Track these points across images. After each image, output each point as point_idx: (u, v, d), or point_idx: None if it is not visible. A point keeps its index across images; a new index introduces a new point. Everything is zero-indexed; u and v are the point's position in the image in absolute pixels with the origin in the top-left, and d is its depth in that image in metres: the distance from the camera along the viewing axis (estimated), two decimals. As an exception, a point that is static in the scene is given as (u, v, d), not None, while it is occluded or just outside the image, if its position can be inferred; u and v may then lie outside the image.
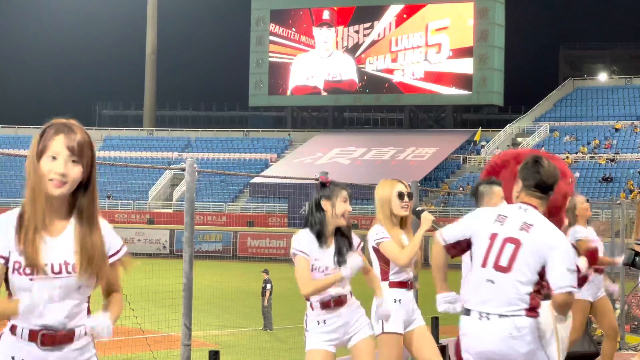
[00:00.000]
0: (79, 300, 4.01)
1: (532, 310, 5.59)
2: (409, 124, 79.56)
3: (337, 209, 6.82)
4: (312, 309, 6.88)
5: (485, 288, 5.64)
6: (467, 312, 5.70)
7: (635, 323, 15.41)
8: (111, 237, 4.18)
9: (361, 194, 36.61)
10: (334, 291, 6.82)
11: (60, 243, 3.98)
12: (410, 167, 64.84)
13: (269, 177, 73.64)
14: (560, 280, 5.53)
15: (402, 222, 7.70)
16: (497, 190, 7.69)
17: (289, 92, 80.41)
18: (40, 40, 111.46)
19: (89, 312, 4.07)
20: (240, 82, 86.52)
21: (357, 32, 78.42)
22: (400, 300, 7.61)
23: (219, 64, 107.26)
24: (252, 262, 42.32)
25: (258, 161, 73.21)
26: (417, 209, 7.62)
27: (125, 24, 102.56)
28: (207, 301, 19.41)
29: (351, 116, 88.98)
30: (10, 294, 3.98)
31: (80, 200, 4.02)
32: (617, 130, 67.79)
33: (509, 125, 72.54)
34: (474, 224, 5.86)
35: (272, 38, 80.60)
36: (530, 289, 5.57)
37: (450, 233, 5.92)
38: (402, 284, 7.64)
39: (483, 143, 70.07)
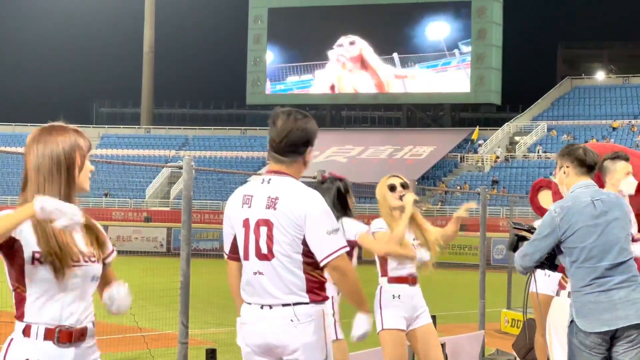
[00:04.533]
0: (89, 294, 4.10)
1: (313, 294, 5.03)
2: (407, 123, 79.57)
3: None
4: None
5: (256, 281, 5.04)
6: (248, 303, 5.14)
7: None
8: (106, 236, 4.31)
9: (359, 192, 36.64)
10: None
11: (78, 237, 4.10)
12: (408, 165, 64.85)
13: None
14: (322, 251, 4.95)
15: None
16: (622, 165, 7.50)
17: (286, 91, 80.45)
18: (37, 38, 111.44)
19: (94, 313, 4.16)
20: (237, 80, 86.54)
21: (354, 30, 78.46)
22: (399, 296, 7.59)
23: (217, 62, 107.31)
24: (250, 260, 42.23)
25: (256, 159, 73.21)
26: (400, 193, 7.60)
27: (123, 22, 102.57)
28: (204, 299, 19.43)
29: (349, 114, 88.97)
30: (20, 292, 3.99)
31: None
32: (614, 129, 67.85)
33: (506, 124, 72.56)
34: (228, 215, 5.22)
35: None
36: (301, 271, 4.99)
37: (226, 243, 5.29)
38: (402, 279, 7.61)
39: (481, 142, 70.09)
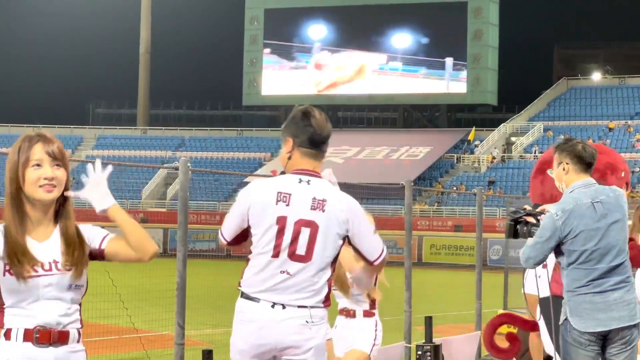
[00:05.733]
0: (71, 301, 4.11)
1: (327, 300, 5.09)
2: (403, 123, 79.56)
3: None
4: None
5: (278, 279, 5.00)
6: (252, 299, 5.05)
7: None
8: (92, 231, 4.32)
9: (355, 194, 36.61)
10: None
11: (48, 247, 4.11)
12: (404, 166, 64.86)
13: (262, 176, 73.46)
14: (374, 251, 5.12)
15: None
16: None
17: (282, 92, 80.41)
18: (33, 39, 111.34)
19: (81, 322, 4.19)
20: (234, 81, 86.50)
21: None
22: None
23: (213, 62, 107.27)
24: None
25: (252, 160, 73.18)
26: None
27: (119, 23, 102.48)
28: (200, 300, 19.40)
29: (345, 115, 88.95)
30: None
31: (60, 203, 4.19)
32: (610, 129, 67.89)
33: (502, 124, 72.56)
34: (254, 206, 5.09)
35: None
36: (327, 277, 5.05)
37: (227, 228, 5.20)
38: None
39: (477, 142, 70.10)
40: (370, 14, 77.40)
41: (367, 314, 7.94)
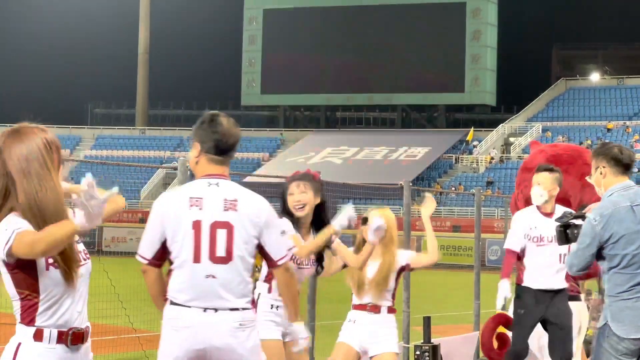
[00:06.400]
0: (86, 292, 4.15)
1: (253, 301, 5.11)
2: (402, 124, 79.56)
3: (289, 202, 6.84)
4: (270, 291, 6.72)
5: (205, 284, 4.94)
6: (183, 305, 4.99)
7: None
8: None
9: (353, 193, 36.61)
10: None
11: None
12: (403, 166, 64.86)
13: (261, 176, 73.39)
14: (279, 251, 5.12)
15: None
16: (536, 176, 8.40)
17: (281, 92, 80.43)
18: (31, 39, 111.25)
19: None
20: (232, 82, 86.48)
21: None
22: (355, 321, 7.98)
23: (212, 63, 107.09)
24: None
25: (250, 160, 73.17)
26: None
27: (118, 23, 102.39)
28: (199, 300, 19.37)
29: (343, 116, 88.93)
30: (31, 299, 3.98)
31: None
32: (609, 130, 67.91)
33: (501, 125, 72.57)
34: (165, 216, 5.04)
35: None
36: (250, 276, 5.05)
37: (145, 247, 5.13)
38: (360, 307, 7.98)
39: (475, 143, 70.10)
40: (369, 14, 77.44)
41: (391, 310, 8.04)
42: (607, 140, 64.39)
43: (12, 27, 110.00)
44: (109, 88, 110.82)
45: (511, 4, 79.23)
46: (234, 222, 5.00)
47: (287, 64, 79.46)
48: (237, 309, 4.96)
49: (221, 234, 4.97)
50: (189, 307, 4.97)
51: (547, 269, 8.67)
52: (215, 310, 4.94)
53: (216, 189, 5.09)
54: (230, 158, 5.26)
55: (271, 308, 6.67)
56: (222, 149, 5.17)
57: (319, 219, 6.85)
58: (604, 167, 6.36)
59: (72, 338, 3.99)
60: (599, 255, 6.29)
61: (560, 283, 8.65)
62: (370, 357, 7.86)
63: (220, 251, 4.96)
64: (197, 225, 4.98)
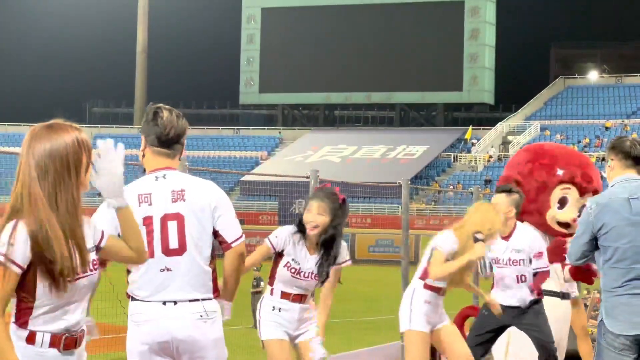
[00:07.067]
0: (87, 300, 4.05)
1: (215, 290, 5.03)
2: (400, 122, 79.57)
3: (304, 217, 6.88)
4: (272, 293, 6.91)
5: (161, 277, 4.94)
6: (142, 300, 4.99)
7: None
8: (93, 230, 4.12)
9: (352, 192, 36.62)
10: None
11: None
12: (401, 165, 64.86)
13: (259, 175, 73.59)
14: (234, 232, 5.07)
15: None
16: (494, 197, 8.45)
17: (279, 90, 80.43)
18: (30, 38, 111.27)
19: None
20: (231, 80, 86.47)
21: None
22: (430, 302, 7.78)
23: (210, 61, 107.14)
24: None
25: (249, 159, 73.17)
26: (477, 236, 7.57)
27: (116, 22, 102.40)
28: (197, 299, 19.35)
29: (342, 114, 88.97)
30: (27, 302, 3.88)
31: None
32: (607, 128, 67.93)
33: (499, 123, 72.59)
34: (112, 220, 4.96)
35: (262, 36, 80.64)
36: (209, 265, 5.01)
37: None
38: (436, 289, 7.78)
39: (474, 141, 70.11)
40: (367, 13, 77.43)
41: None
42: (605, 140, 64.44)
43: (9, 26, 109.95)
44: (107, 87, 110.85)
45: (510, 2, 79.31)
46: (183, 212, 4.97)
47: (286, 62, 79.48)
48: (196, 300, 4.92)
49: (172, 226, 4.95)
50: (149, 301, 4.96)
51: (507, 288, 8.68)
52: (175, 303, 4.91)
53: (163, 182, 5.06)
54: (176, 151, 5.17)
55: (272, 310, 6.83)
56: (164, 141, 5.13)
57: (331, 237, 6.86)
58: (612, 159, 6.28)
59: (65, 343, 3.91)
60: (596, 247, 6.18)
61: (522, 301, 8.53)
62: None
63: (173, 243, 4.94)
64: (148, 221, 4.98)
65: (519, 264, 8.50)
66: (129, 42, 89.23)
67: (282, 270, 6.81)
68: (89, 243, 3.99)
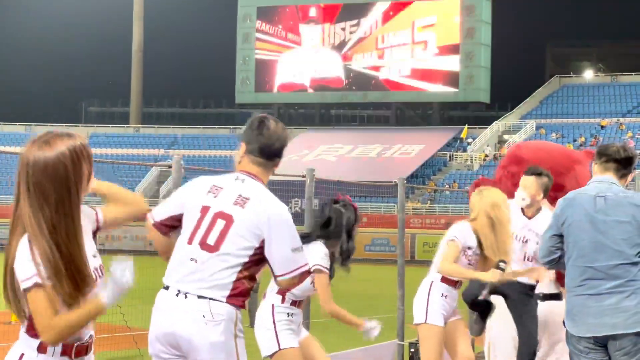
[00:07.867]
0: None
1: (234, 298, 4.90)
2: (396, 121, 79.57)
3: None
4: (283, 301, 7.17)
5: (187, 266, 4.95)
6: (165, 288, 5.00)
7: None
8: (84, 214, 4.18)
9: (348, 191, 36.59)
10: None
11: (90, 252, 4.05)
12: (397, 164, 64.89)
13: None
14: (283, 266, 4.93)
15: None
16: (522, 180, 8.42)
17: (275, 89, 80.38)
18: (25, 37, 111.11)
19: None
20: (226, 79, 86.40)
21: (343, 29, 78.37)
22: (447, 295, 7.90)
23: (206, 61, 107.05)
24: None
25: (245, 158, 73.10)
26: (500, 265, 7.61)
27: (112, 22, 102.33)
28: (193, 298, 19.36)
29: (338, 113, 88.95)
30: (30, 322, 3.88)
31: None
32: (603, 127, 68.00)
33: (495, 122, 72.66)
34: (186, 195, 5.18)
35: (258, 35, 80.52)
36: (237, 273, 4.91)
37: (159, 211, 5.19)
38: (453, 283, 7.88)
39: (469, 140, 70.17)
40: (362, 12, 77.41)
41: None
42: (601, 139, 64.51)
43: (6, 25, 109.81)
44: (103, 86, 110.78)
45: (505, 1, 79.27)
46: (236, 217, 4.96)
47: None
48: (204, 298, 4.86)
49: (219, 224, 4.96)
50: (167, 289, 4.98)
51: (512, 263, 8.70)
52: (186, 295, 4.90)
53: (238, 184, 5.10)
54: (273, 163, 5.20)
55: (287, 316, 7.11)
56: (266, 153, 5.14)
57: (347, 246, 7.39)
58: (595, 163, 6.30)
59: (77, 351, 3.93)
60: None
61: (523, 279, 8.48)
62: None
63: (212, 239, 4.94)
64: (204, 211, 5.02)
65: (531, 244, 8.48)
66: (125, 42, 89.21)
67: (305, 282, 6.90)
68: (88, 234, 4.04)
